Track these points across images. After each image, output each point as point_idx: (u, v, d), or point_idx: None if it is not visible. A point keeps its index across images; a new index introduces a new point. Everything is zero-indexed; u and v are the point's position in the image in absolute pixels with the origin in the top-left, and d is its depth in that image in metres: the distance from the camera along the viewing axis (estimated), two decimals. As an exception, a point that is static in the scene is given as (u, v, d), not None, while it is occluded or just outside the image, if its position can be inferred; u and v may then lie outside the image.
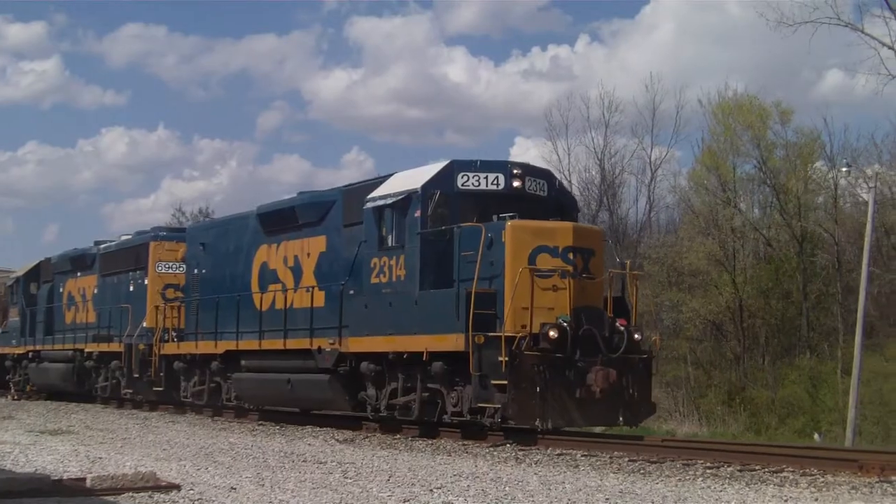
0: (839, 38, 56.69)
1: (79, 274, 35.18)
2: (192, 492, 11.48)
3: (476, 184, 19.92)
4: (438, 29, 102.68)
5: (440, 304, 19.07)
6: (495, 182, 19.93)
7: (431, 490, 11.87)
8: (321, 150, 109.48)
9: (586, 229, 19.92)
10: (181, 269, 29.47)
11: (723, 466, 14.46)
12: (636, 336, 18.84)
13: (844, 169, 42.81)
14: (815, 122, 64.77)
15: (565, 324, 18.14)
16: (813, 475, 13.36)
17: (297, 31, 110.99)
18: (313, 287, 22.76)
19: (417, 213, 19.75)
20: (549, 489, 12.10)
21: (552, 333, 18.01)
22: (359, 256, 21.19)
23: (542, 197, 20.35)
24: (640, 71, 76.87)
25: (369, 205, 20.83)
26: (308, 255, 23.40)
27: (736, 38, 70.96)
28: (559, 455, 16.58)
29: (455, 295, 18.69)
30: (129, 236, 33.01)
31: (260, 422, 24.65)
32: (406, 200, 20.00)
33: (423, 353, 19.15)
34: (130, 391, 30.01)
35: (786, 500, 11.29)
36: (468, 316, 18.23)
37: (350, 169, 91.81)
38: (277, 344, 23.46)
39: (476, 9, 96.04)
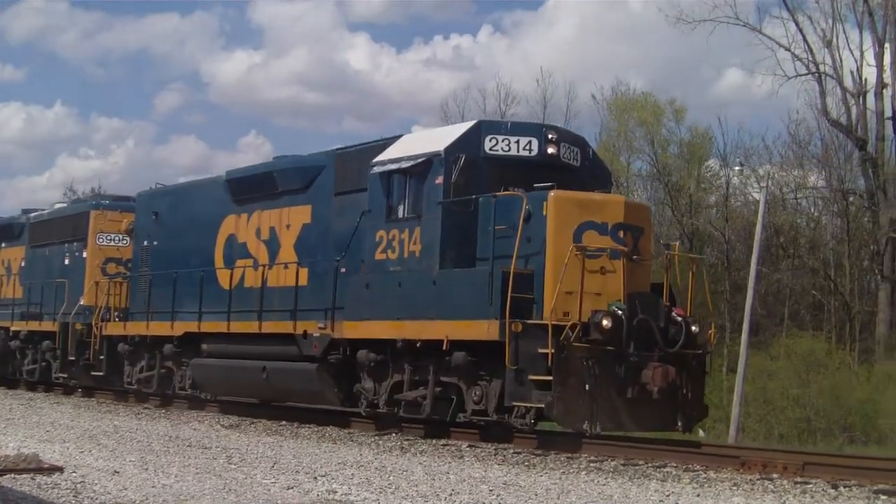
0: (739, 38, 55.08)
1: (3, 245, 30.70)
2: (74, 474, 11.05)
3: (506, 148, 16.61)
4: (342, 14, 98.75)
5: (468, 286, 15.76)
6: (527, 147, 16.64)
7: (315, 478, 11.47)
8: (219, 132, 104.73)
9: (637, 205, 16.82)
10: (125, 241, 25.63)
11: (606, 460, 13.93)
12: (693, 328, 15.72)
13: (737, 168, 42.49)
14: (711, 121, 63.20)
15: (620, 312, 14.99)
16: (696, 471, 12.96)
17: (200, 11, 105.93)
18: (295, 263, 19.22)
19: (439, 180, 16.38)
20: (434, 479, 11.66)
21: (605, 323, 14.82)
22: (359, 229, 17.71)
23: (575, 167, 17.15)
24: (540, 64, 74.39)
25: (377, 169, 17.37)
26: (288, 226, 19.83)
27: (638, 35, 68.53)
28: (444, 445, 15.60)
29: (488, 274, 15.38)
30: (64, 204, 28.86)
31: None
32: (425, 165, 16.61)
33: (440, 341, 15.83)
34: (64, 376, 25.89)
35: (668, 495, 10.86)
36: (504, 300, 14.98)
37: (247, 153, 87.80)
38: (251, 327, 19.85)
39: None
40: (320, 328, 18.11)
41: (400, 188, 17.03)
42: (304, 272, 18.97)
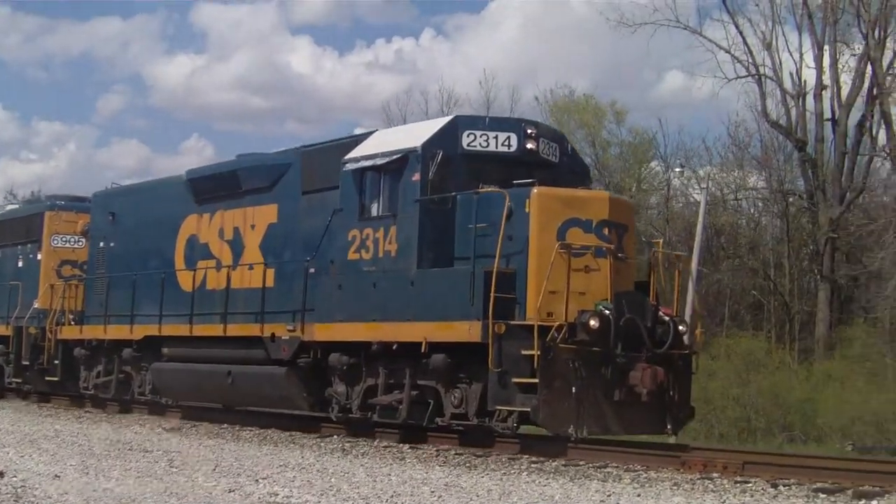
0: (680, 41, 54.35)
1: (-46, 247, 28.86)
2: (15, 479, 10.74)
3: (484, 144, 15.42)
4: (284, 17, 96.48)
5: (448, 286, 14.57)
6: (506, 143, 15.46)
7: (257, 480, 11.17)
8: (161, 135, 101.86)
9: (621, 201, 15.64)
10: (81, 243, 24.00)
11: (547, 461, 13.38)
12: (681, 328, 14.64)
13: (678, 170, 41.53)
14: (651, 123, 62.47)
15: (607, 312, 13.86)
16: (636, 471, 12.56)
17: (143, 14, 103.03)
18: (261, 264, 17.85)
19: (416, 177, 15.15)
20: (375, 481, 11.34)
21: (593, 323, 13.72)
22: (330, 228, 16.41)
23: (554, 163, 16.02)
24: (482, 66, 73.00)
25: (349, 166, 16.08)
26: (252, 226, 18.47)
27: (581, 37, 67.43)
28: (386, 447, 14.97)
29: (470, 274, 14.17)
30: (17, 205, 27.10)
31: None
32: (401, 161, 15.37)
33: (418, 343, 14.61)
34: (18, 381, 24.21)
35: (609, 495, 10.57)
36: (486, 300, 13.79)
37: (189, 156, 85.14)
38: (215, 330, 18.43)
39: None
40: (289, 331, 16.79)
41: (374, 185, 15.78)
42: (270, 273, 17.65)
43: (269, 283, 17.59)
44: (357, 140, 16.78)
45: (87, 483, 10.68)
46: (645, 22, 35.24)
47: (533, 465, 13.14)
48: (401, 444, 15.25)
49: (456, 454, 14.17)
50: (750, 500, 10.42)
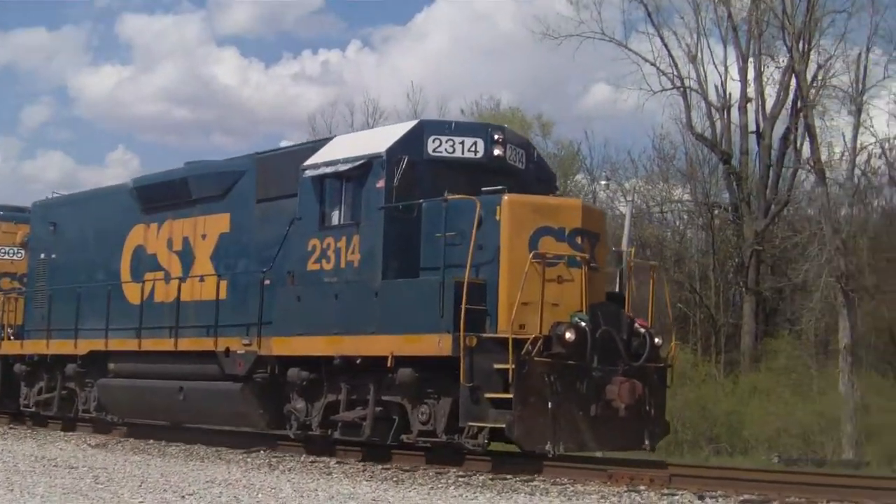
0: (605, 53, 53.14)
1: None
2: None
3: (450, 150, 14.20)
4: (210, 29, 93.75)
5: (415, 297, 13.32)
6: (473, 149, 14.25)
7: (183, 496, 10.69)
8: (86, 147, 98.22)
9: (593, 210, 14.56)
10: (20, 254, 22.29)
11: (475, 475, 12.73)
12: (656, 340, 13.52)
13: (603, 182, 39.90)
14: (577, 136, 61.50)
15: (584, 324, 12.69)
16: (563, 484, 11.97)
17: (68, 25, 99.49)
18: (213, 275, 16.41)
19: (380, 184, 13.88)
20: (302, 496, 10.86)
21: (569, 336, 12.56)
22: (288, 237, 15.05)
23: (521, 170, 14.85)
24: (409, 79, 71.33)
25: (309, 173, 14.74)
26: (203, 236, 17.01)
27: (507, 50, 66.23)
28: (312, 462, 14.26)
29: (439, 285, 12.92)
30: (-48, 217, 25.17)
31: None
32: (364, 168, 14.08)
33: (383, 358, 13.32)
34: (-46, 398, 22.33)
35: None
36: (457, 312, 12.56)
37: (115, 168, 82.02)
38: (165, 344, 16.91)
39: (249, 10, 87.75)
40: (245, 345, 15.38)
41: (335, 193, 14.48)
42: (223, 285, 16.21)
43: (223, 295, 16.15)
44: (315, 146, 15.46)
45: (13, 500, 10.19)
46: (570, 34, 33.94)
47: (460, 479, 12.48)
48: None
49: (383, 469, 13.39)
50: (677, 513, 10.02)
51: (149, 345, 17.23)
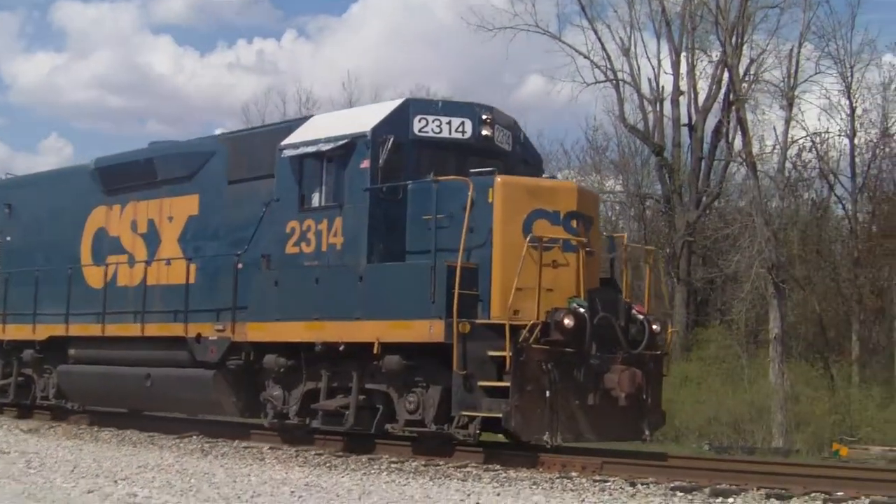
0: (539, 45, 51.65)
1: None
2: None
3: (437, 130, 12.88)
4: (145, 16, 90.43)
5: (404, 282, 12.02)
6: (460, 129, 12.94)
7: (116, 481, 10.34)
8: (20, 134, 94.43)
9: (588, 192, 13.36)
10: (-27, 238, 20.34)
11: (407, 461, 12.15)
12: (654, 327, 12.36)
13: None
14: (511, 127, 60.13)
15: (582, 310, 11.48)
16: (496, 471, 11.38)
17: (3, 12, 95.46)
18: (181, 259, 14.87)
19: (364, 164, 12.53)
20: (235, 481, 10.49)
21: (567, 322, 11.34)
22: (264, 220, 13.60)
23: (507, 151, 13.58)
24: (345, 68, 69.44)
25: (287, 153, 13.31)
26: (170, 218, 15.47)
27: (443, 41, 64.64)
28: (246, 448, 13.60)
29: (430, 269, 11.61)
30: None
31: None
32: (347, 147, 12.71)
33: (367, 344, 12.00)
34: None
35: (469, 494, 9.77)
36: (449, 297, 11.27)
37: (48, 155, 78.73)
38: (131, 329, 15.35)
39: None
40: (218, 331, 13.94)
41: (315, 174, 13.09)
42: (193, 268, 14.68)
43: (192, 279, 14.64)
44: (291, 126, 14.06)
45: (-57, 485, 9.66)
46: (505, 26, 32.59)
47: (393, 465, 11.87)
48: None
49: (316, 454, 12.59)
50: (608, 499, 9.65)
51: (113, 330, 15.66)
